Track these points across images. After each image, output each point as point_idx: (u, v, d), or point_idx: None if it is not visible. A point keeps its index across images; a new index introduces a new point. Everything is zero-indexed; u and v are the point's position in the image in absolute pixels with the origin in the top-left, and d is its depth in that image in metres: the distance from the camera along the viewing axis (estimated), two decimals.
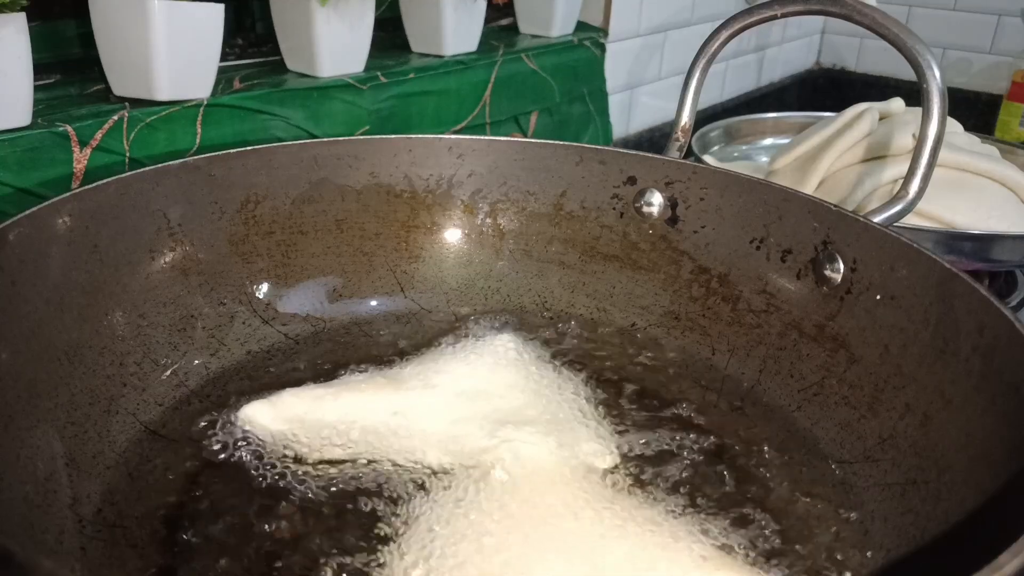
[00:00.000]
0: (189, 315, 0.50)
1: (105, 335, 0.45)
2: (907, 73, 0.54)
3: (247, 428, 0.44)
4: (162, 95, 0.57)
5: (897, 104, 0.80)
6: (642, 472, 0.43)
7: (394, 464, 0.42)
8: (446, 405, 0.46)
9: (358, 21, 0.69)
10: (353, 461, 0.43)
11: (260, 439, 0.44)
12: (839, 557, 0.39)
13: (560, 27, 0.92)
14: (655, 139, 1.14)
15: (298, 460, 0.43)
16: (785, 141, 0.89)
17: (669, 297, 0.57)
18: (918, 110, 0.55)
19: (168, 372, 0.48)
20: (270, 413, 0.45)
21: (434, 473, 0.42)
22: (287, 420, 0.45)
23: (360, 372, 0.50)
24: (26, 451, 0.37)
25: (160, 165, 0.50)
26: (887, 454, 0.42)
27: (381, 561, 0.37)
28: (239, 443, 0.44)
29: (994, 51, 1.39)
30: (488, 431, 0.44)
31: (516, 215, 0.60)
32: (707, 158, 0.83)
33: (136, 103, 0.57)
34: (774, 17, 0.60)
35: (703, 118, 0.85)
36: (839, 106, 0.82)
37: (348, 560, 0.37)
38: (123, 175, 0.48)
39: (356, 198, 0.58)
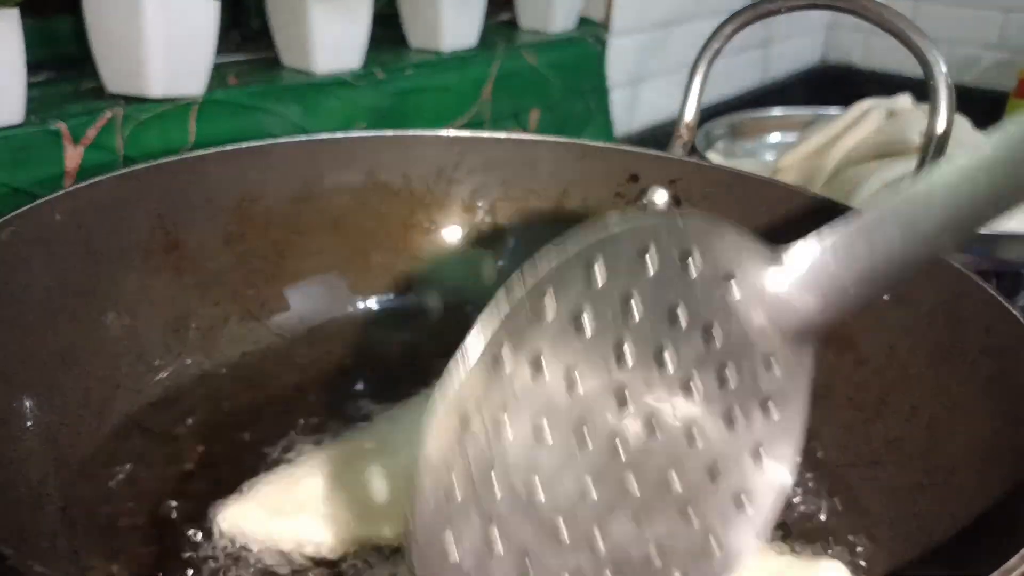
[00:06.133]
0: (183, 315, 0.50)
1: (98, 336, 0.45)
2: (914, 69, 0.53)
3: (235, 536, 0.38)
4: (156, 92, 0.57)
5: (904, 101, 0.79)
6: None
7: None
8: None
9: (355, 16, 0.69)
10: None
11: None
12: (843, 560, 0.38)
13: (561, 22, 0.91)
14: (659, 136, 1.13)
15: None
16: (791, 137, 0.88)
17: None
18: (926, 107, 0.54)
19: (162, 373, 0.47)
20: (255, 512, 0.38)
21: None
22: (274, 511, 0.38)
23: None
24: (18, 454, 0.37)
25: (154, 163, 0.49)
26: (893, 456, 0.42)
27: None
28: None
29: (1002, 47, 1.38)
30: None
31: (516, 213, 0.60)
32: (711, 155, 0.83)
33: (130, 100, 0.57)
34: (779, 12, 0.59)
35: (708, 114, 0.84)
36: (845, 102, 0.81)
37: None
38: (116, 173, 0.47)
39: (353, 196, 0.57)
